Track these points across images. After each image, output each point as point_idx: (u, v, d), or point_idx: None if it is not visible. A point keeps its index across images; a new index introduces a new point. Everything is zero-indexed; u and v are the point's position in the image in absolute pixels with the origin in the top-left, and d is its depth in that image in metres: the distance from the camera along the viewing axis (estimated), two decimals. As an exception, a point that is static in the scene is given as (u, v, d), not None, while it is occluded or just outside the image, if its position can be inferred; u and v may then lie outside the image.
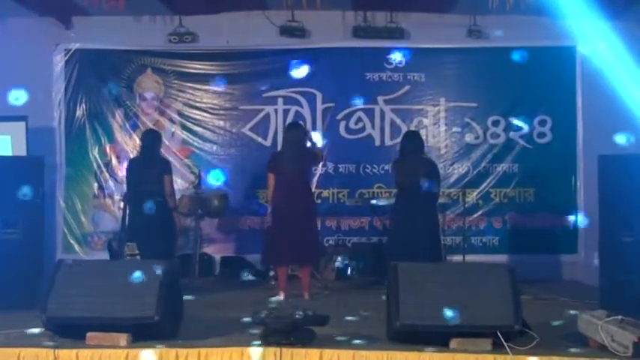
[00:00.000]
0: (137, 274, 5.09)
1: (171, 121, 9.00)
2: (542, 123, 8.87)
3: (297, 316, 4.88)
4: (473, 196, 8.79)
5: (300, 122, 8.21)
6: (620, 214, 6.28)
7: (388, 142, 8.91)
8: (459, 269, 5.92)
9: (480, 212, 8.82)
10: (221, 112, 9.02)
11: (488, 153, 8.91)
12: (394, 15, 8.78)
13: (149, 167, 7.32)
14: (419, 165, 7.09)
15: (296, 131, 7.26)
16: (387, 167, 8.50)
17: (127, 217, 7.18)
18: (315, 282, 7.52)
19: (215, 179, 8.54)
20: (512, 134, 8.88)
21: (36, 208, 6.91)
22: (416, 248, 6.73)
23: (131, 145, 8.85)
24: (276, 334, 4.86)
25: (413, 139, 7.30)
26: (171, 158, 8.32)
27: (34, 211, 6.90)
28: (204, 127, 8.97)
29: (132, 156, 8.39)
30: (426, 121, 8.97)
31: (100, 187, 8.93)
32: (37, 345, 4.94)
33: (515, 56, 8.40)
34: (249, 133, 8.99)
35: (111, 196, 8.87)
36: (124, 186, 7.81)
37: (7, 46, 8.44)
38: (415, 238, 6.88)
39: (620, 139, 7.23)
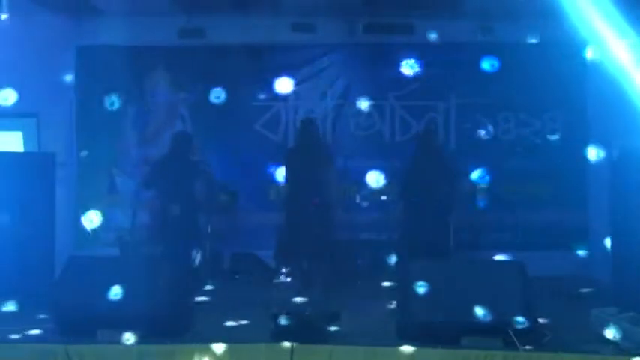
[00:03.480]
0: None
1: (182, 117, 9.00)
2: (553, 119, 8.83)
3: (308, 312, 4.89)
4: (484, 192, 8.75)
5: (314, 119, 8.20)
6: (634, 210, 6.24)
7: (398, 138, 8.88)
8: (470, 266, 5.90)
9: (491, 208, 8.78)
10: (232, 108, 9.01)
11: (498, 149, 8.87)
12: (405, 11, 8.75)
13: (178, 171, 7.28)
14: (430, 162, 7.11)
15: (311, 128, 7.27)
16: (397, 163, 8.48)
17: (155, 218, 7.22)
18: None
19: None
20: (523, 131, 8.84)
21: (47, 204, 6.94)
22: (427, 244, 6.74)
23: (142, 142, 8.86)
24: (288, 331, 4.87)
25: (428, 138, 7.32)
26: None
27: (46, 207, 6.93)
28: (214, 124, 8.97)
29: (148, 155, 8.41)
30: (436, 118, 8.94)
31: (112, 184, 8.95)
32: (48, 340, 4.97)
33: (527, 52, 8.35)
34: (260, 129, 8.99)
35: (122, 193, 8.89)
36: (136, 183, 7.83)
37: (21, 43, 8.45)
38: (426, 235, 6.88)
39: None
